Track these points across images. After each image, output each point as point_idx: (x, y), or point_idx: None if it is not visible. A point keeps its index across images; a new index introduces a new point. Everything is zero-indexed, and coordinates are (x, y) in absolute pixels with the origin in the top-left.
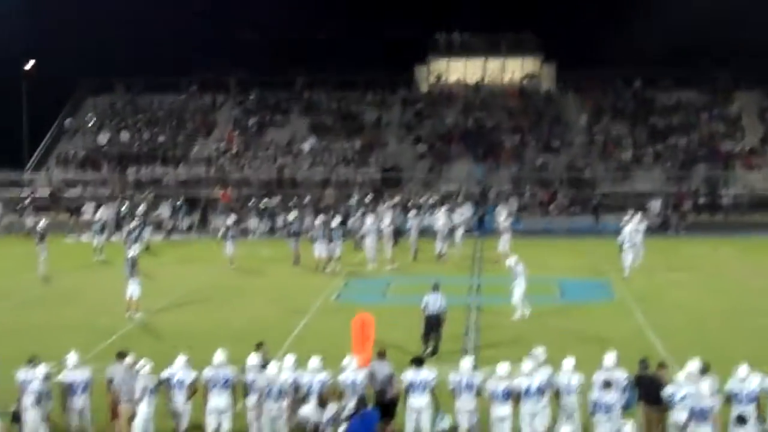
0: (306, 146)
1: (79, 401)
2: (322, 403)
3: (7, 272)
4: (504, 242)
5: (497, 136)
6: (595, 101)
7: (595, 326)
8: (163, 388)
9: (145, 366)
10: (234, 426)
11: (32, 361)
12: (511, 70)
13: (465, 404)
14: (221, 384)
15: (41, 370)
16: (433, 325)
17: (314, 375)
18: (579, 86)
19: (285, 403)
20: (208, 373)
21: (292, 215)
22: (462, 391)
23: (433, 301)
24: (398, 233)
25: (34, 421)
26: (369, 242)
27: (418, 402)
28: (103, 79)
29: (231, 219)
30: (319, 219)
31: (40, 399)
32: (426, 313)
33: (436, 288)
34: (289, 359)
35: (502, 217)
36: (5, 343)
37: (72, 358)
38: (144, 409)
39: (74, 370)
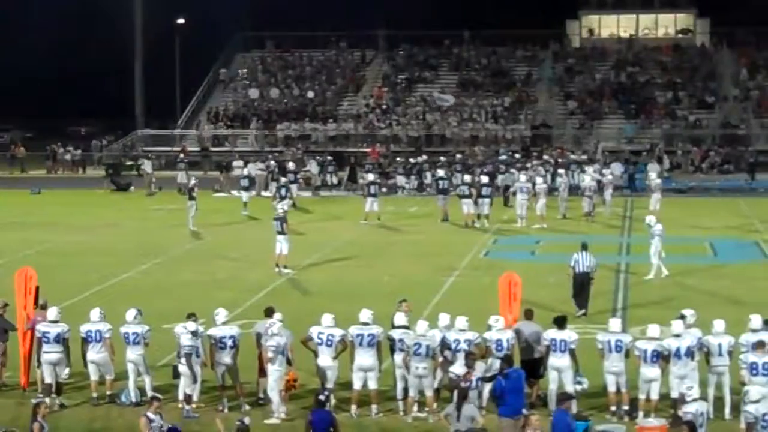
0: (444, 103)
1: (227, 357)
2: (470, 362)
3: (158, 228)
4: (655, 201)
5: (650, 92)
6: (750, 56)
7: (748, 287)
8: (311, 344)
9: (275, 324)
10: (380, 384)
11: (191, 317)
12: (664, 24)
13: (613, 364)
14: (367, 342)
15: (190, 325)
16: (583, 284)
17: (462, 334)
18: (734, 41)
19: (431, 362)
20: (354, 331)
21: (440, 172)
22: (610, 352)
23: (583, 260)
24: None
25: (184, 375)
26: (519, 199)
27: (559, 362)
28: (253, 35)
29: (372, 175)
30: (468, 176)
31: (190, 354)
32: (576, 271)
33: (584, 247)
34: (443, 318)
35: (654, 175)
36: (157, 298)
37: (221, 313)
38: (275, 368)
39: (223, 326)
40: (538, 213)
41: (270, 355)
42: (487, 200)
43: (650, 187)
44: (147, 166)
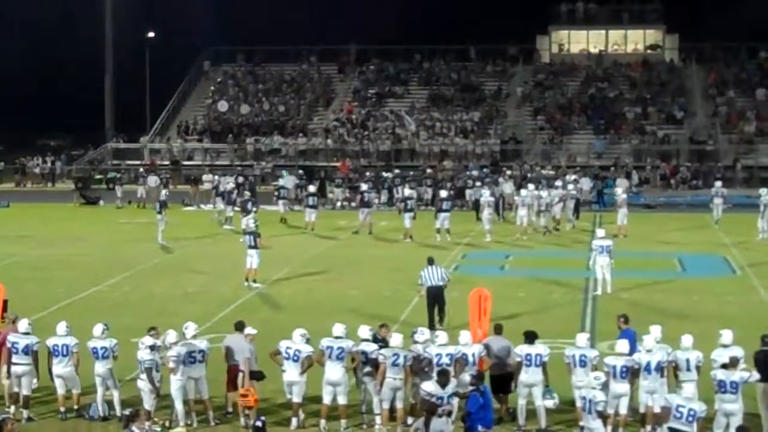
0: (409, 126)
1: (198, 371)
2: (443, 380)
3: (127, 242)
4: (622, 216)
5: (619, 107)
6: (718, 72)
7: (717, 302)
8: (278, 358)
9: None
10: (349, 399)
11: (150, 331)
12: (633, 40)
13: (579, 379)
14: (336, 356)
15: (147, 340)
16: (435, 296)
17: (443, 348)
18: (702, 57)
19: (403, 375)
20: (324, 343)
21: (363, 186)
22: (575, 366)
23: (431, 275)
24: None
25: (143, 391)
26: (485, 214)
27: (532, 378)
28: (224, 49)
29: (312, 187)
30: (408, 190)
31: (151, 368)
32: (426, 286)
33: (431, 261)
34: (422, 333)
35: (620, 190)
36: (126, 312)
37: (191, 327)
38: (177, 378)
39: (193, 340)
40: (518, 224)
41: (172, 365)
42: (446, 214)
43: (616, 203)
44: (151, 181)
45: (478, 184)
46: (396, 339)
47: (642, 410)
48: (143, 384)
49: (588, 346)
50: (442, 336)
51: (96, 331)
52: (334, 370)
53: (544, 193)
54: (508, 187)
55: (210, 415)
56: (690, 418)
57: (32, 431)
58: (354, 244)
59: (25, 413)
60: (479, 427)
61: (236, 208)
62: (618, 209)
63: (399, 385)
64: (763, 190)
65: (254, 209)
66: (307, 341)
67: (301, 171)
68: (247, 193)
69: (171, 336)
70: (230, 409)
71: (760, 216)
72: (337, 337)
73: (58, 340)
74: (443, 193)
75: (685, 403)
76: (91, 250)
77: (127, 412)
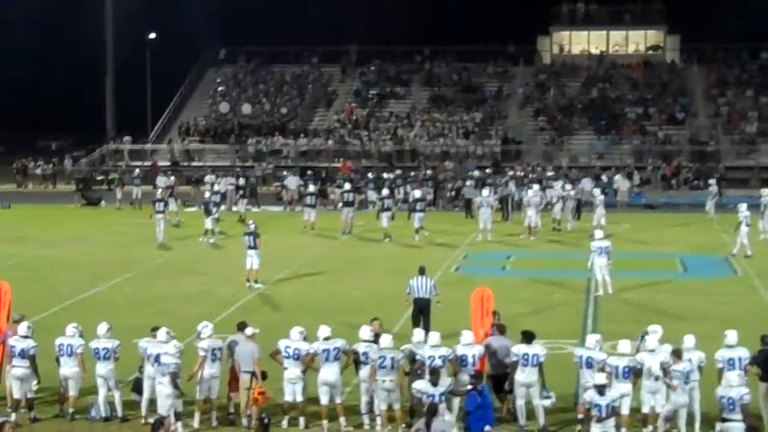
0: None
1: (216, 369)
2: (434, 378)
3: (128, 243)
4: (598, 216)
5: (620, 108)
6: (719, 73)
7: (718, 303)
8: (279, 358)
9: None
10: (348, 398)
11: (154, 331)
12: (634, 41)
13: (587, 381)
14: (333, 356)
15: (168, 341)
16: (421, 308)
17: (436, 350)
18: (703, 58)
19: (397, 375)
20: (319, 347)
21: (346, 185)
22: (583, 368)
23: (419, 285)
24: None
25: (169, 396)
26: (481, 214)
27: (529, 378)
28: (225, 50)
29: (312, 187)
30: (386, 190)
31: (176, 372)
32: (413, 297)
33: (422, 271)
34: (417, 333)
35: (597, 191)
36: (128, 313)
37: (209, 327)
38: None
39: (209, 339)
40: (525, 223)
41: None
42: (420, 215)
43: (593, 203)
44: (160, 181)
45: (468, 183)
46: (385, 340)
47: (645, 410)
48: (167, 389)
49: (597, 348)
50: (433, 337)
51: (100, 329)
52: (330, 372)
53: (530, 192)
54: (513, 188)
55: (213, 415)
56: (731, 407)
57: (34, 431)
58: (355, 245)
59: (31, 413)
60: (486, 427)
61: (234, 208)
62: (595, 209)
63: (390, 386)
64: (764, 191)
65: (217, 210)
66: (304, 338)
67: (310, 171)
68: (207, 194)
69: (160, 334)
70: (232, 410)
71: (760, 216)
72: (326, 339)
73: (64, 339)
74: (417, 194)
75: (724, 393)
76: (93, 250)
77: (151, 420)
